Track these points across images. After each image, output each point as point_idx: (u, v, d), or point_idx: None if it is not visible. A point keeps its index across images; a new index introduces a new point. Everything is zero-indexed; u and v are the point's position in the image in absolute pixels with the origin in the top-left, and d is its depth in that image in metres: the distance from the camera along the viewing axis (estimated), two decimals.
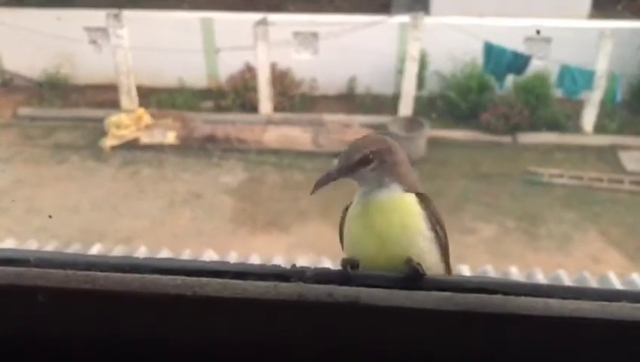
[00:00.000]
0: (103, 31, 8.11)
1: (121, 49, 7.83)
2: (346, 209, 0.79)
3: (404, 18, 7.84)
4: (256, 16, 7.80)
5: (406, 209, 0.74)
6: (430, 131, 7.44)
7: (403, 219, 0.73)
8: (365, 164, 0.75)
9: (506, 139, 7.59)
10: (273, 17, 7.84)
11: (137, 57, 7.91)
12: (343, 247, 0.79)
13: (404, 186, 0.75)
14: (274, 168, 7.20)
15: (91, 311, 0.66)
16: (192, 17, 8.33)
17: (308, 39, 8.35)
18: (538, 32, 7.34)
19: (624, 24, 7.82)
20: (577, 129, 7.75)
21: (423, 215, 0.73)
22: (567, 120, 7.78)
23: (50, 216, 5.92)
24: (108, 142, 7.48)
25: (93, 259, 0.67)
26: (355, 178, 0.76)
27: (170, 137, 7.54)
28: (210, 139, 7.53)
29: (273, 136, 7.62)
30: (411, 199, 0.74)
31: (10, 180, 6.89)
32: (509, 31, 7.68)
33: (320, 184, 0.75)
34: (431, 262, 0.72)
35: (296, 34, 8.30)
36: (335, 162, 0.77)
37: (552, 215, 6.44)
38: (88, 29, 8.41)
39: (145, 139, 7.55)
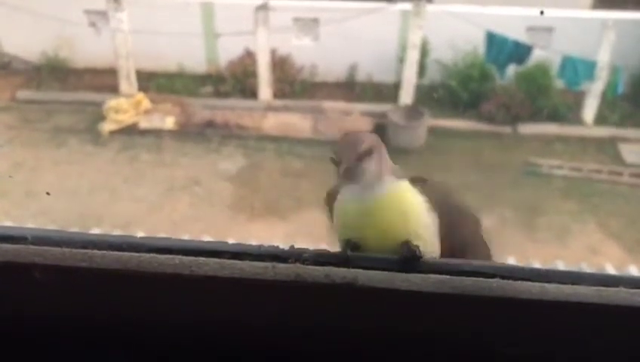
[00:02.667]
0: (103, 14, 8.04)
1: (121, 33, 7.78)
2: (329, 195, 0.77)
3: (406, 5, 7.78)
4: (257, 1, 7.74)
5: (404, 197, 0.73)
6: (430, 120, 7.43)
7: (403, 208, 0.72)
8: (369, 155, 0.73)
9: (506, 129, 7.57)
10: (274, 2, 7.78)
11: (137, 41, 7.86)
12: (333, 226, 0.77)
13: (396, 175, 0.75)
14: (273, 155, 7.19)
15: (88, 289, 0.66)
16: (192, 1, 8.26)
17: (308, 25, 8.29)
18: (542, 12, 7.28)
19: (627, 15, 7.77)
20: (578, 120, 7.73)
21: (421, 198, 0.73)
22: (567, 111, 7.75)
23: (48, 193, 5.91)
24: (106, 126, 7.46)
25: (90, 238, 0.67)
26: (357, 171, 0.72)
27: (169, 122, 7.52)
28: (210, 124, 7.51)
29: (272, 123, 7.60)
30: (406, 185, 0.74)
31: (8, 163, 6.88)
32: (512, 20, 7.63)
33: (342, 177, 0.73)
34: (432, 247, 0.73)
35: (297, 19, 8.24)
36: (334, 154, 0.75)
37: (551, 206, 6.45)
38: (88, 12, 8.34)
39: (144, 123, 7.53)
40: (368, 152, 0.73)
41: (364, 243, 0.72)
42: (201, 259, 0.64)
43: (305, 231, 5.62)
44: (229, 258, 0.64)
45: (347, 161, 0.72)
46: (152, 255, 0.64)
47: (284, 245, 0.69)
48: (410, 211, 0.72)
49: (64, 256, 0.64)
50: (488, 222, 6.08)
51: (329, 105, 7.88)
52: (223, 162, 7.02)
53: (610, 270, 3.34)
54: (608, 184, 6.75)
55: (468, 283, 0.62)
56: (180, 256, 0.64)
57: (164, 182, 6.63)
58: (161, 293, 0.66)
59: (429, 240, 0.72)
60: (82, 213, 5.82)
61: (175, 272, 0.63)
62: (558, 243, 5.85)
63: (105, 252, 0.65)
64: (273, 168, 7.05)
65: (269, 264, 0.64)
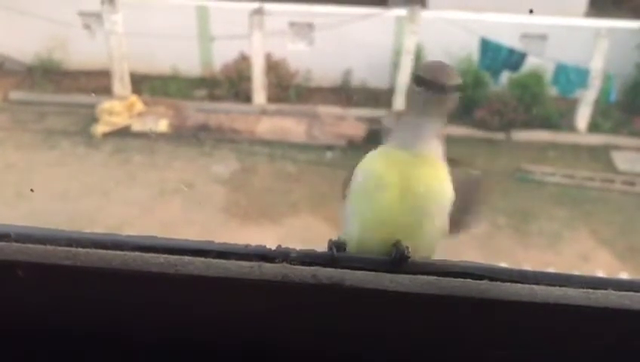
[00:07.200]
0: (97, 16, 8.03)
1: (115, 35, 7.76)
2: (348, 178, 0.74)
3: (401, 11, 7.82)
4: (252, 5, 7.75)
5: (442, 168, 0.70)
6: None
7: (440, 177, 0.69)
8: (456, 91, 0.67)
9: (500, 135, 7.60)
10: (269, 6, 7.79)
11: (131, 44, 7.84)
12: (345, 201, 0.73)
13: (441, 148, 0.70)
14: (266, 159, 7.18)
15: (72, 287, 0.65)
16: (187, 4, 8.26)
17: (303, 30, 8.31)
18: (531, 10, 7.32)
19: (620, 24, 7.83)
20: (571, 127, 7.77)
21: (450, 191, 0.70)
22: (560, 118, 7.80)
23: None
24: (99, 128, 7.42)
25: (74, 235, 0.66)
26: (449, 96, 0.66)
27: (163, 125, 7.49)
28: (203, 128, 7.49)
29: (266, 127, 7.59)
30: (445, 169, 0.70)
31: (0, 164, 6.84)
32: (506, 27, 7.67)
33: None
34: (443, 224, 0.71)
35: (292, 24, 8.25)
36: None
37: (544, 213, 6.46)
38: (82, 14, 8.33)
39: (137, 126, 7.50)
40: (458, 88, 0.67)
41: (378, 206, 0.68)
42: (187, 257, 0.63)
43: (298, 235, 5.60)
44: (214, 257, 0.63)
45: (444, 80, 0.66)
46: (136, 253, 0.63)
47: (271, 245, 0.68)
48: (442, 185, 0.69)
49: (47, 254, 0.63)
50: (480, 228, 6.09)
51: (323, 110, 7.88)
52: (216, 166, 7.00)
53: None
54: (601, 191, 6.78)
55: (456, 285, 0.62)
56: (165, 255, 0.63)
57: (156, 185, 6.59)
58: (146, 292, 0.65)
59: (441, 220, 0.71)
60: (74, 215, 5.78)
61: (160, 271, 0.62)
62: (550, 250, 5.86)
63: (89, 250, 0.64)
64: (267, 172, 7.03)
65: (255, 264, 0.63)
